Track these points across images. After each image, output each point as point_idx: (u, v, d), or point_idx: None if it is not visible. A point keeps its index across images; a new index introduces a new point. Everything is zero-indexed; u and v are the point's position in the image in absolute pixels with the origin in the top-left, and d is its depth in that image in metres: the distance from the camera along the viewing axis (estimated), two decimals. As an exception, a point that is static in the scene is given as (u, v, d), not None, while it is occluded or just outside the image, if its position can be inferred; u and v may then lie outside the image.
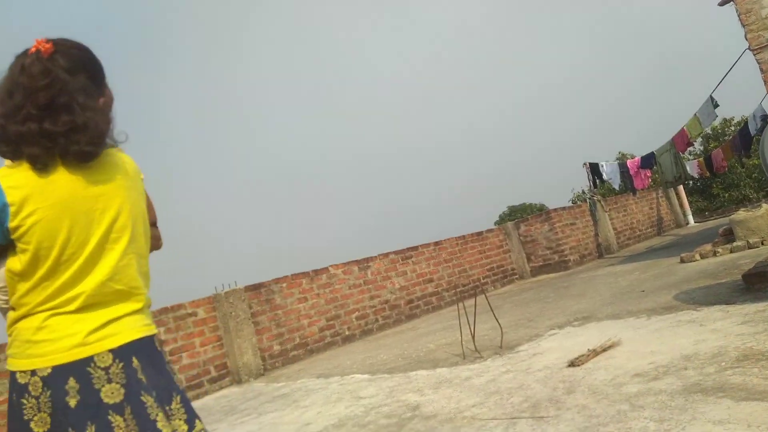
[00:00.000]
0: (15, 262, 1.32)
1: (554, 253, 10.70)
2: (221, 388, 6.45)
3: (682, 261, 6.92)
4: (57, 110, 1.32)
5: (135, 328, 1.40)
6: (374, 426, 3.13)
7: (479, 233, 10.63)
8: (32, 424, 1.27)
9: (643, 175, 10.49)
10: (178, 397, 1.42)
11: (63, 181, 1.35)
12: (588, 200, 11.90)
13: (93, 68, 1.46)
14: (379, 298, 8.50)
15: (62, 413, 1.27)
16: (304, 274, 7.77)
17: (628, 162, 10.78)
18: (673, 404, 2.27)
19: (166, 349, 6.17)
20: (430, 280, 9.36)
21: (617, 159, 14.11)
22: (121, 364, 1.34)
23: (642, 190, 12.20)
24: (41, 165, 1.32)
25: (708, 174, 11.13)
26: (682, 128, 8.51)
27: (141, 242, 1.49)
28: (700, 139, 16.05)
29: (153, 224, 1.73)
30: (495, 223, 22.87)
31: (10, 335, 1.36)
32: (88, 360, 1.30)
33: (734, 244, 6.64)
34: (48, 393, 1.27)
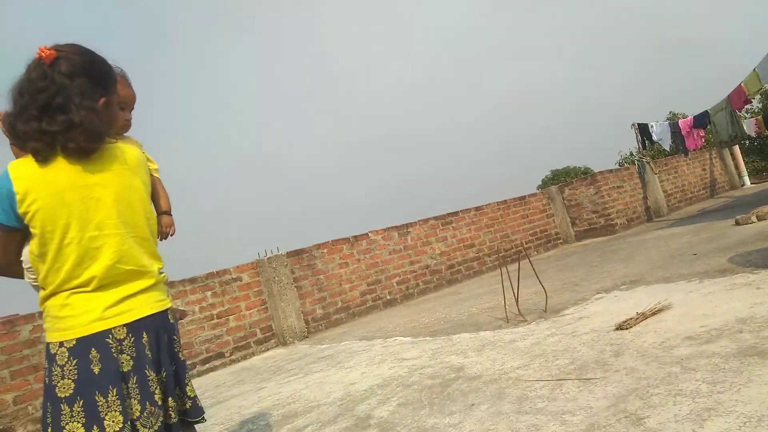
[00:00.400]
0: (33, 244, 1.51)
1: (600, 216, 10.42)
2: (267, 349, 6.66)
3: (737, 223, 6.62)
4: (54, 111, 1.48)
5: (148, 305, 1.57)
6: (418, 386, 3.16)
7: (522, 198, 10.44)
8: (56, 390, 1.44)
9: (695, 135, 10.00)
10: (183, 372, 1.66)
11: (62, 172, 1.51)
12: (636, 162, 11.48)
13: (95, 72, 1.59)
14: (419, 263, 8.52)
15: (88, 379, 1.45)
16: (345, 240, 7.84)
17: (680, 121, 10.27)
18: (727, 367, 2.20)
19: (214, 312, 6.38)
20: (471, 246, 9.29)
21: (668, 119, 13.49)
22: (132, 338, 1.52)
23: (694, 150, 11.66)
24: (42, 158, 1.49)
25: (767, 132, 10.51)
26: (740, 85, 8.01)
27: (141, 227, 1.63)
28: (758, 96, 15.14)
29: (167, 212, 1.89)
30: (537, 188, 22.42)
31: (43, 311, 1.56)
32: (107, 333, 1.49)
33: (795, 205, 6.29)
34: (74, 362, 1.45)
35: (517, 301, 4.52)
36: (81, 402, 1.44)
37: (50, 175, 1.50)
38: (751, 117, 11.75)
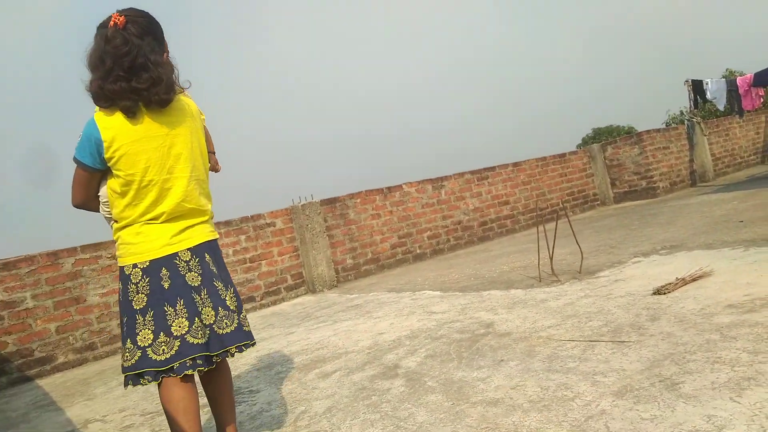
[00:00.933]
0: (114, 183, 1.81)
1: (642, 178, 10.08)
2: (297, 296, 6.79)
3: (790, 191, 6.30)
4: (138, 70, 1.73)
5: (204, 234, 1.92)
6: (447, 339, 3.17)
7: (561, 155, 10.15)
8: (133, 303, 1.78)
9: (754, 95, 9.43)
10: (231, 290, 1.94)
11: (143, 123, 1.78)
12: (686, 122, 10.95)
13: (156, 30, 1.84)
14: (452, 218, 8.45)
15: (159, 293, 1.77)
16: (378, 191, 7.80)
17: (738, 79, 9.67)
18: (772, 338, 2.11)
19: (247, 256, 6.50)
20: (506, 203, 9.15)
21: (724, 76, 12.75)
22: (197, 259, 1.86)
23: (750, 111, 11.04)
24: (131, 114, 1.75)
25: (832, 95, 9.83)
26: (808, 41, 7.45)
27: (201, 171, 1.94)
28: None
29: (212, 152, 2.15)
30: (577, 146, 21.77)
31: (116, 240, 1.86)
32: (174, 255, 1.82)
33: None
34: (147, 279, 1.78)
35: (551, 260, 4.44)
36: (152, 312, 1.76)
37: (132, 126, 1.76)
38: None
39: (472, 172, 8.89)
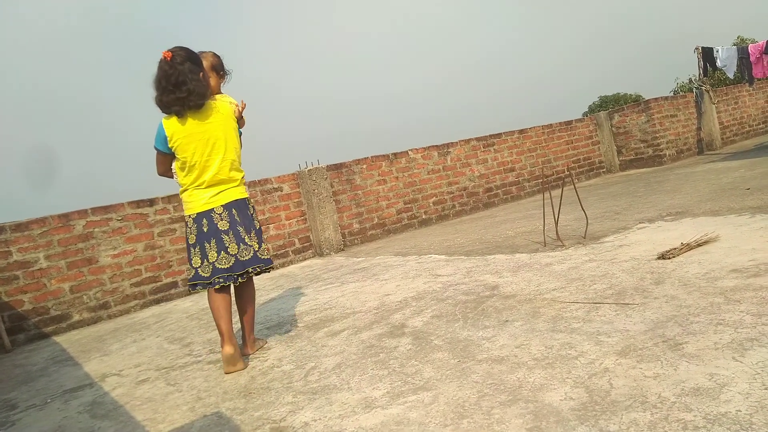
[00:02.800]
0: (176, 162, 2.82)
1: (648, 146, 10.02)
2: (305, 259, 6.87)
3: (798, 160, 6.27)
4: (180, 85, 2.65)
5: (232, 195, 2.84)
6: (452, 301, 3.23)
7: (568, 122, 10.07)
8: (188, 239, 2.83)
9: (765, 62, 9.27)
10: (253, 232, 2.90)
11: (189, 123, 2.74)
12: (695, 90, 10.82)
13: (193, 58, 2.74)
14: (457, 184, 8.46)
15: (202, 234, 2.78)
16: (384, 157, 7.80)
17: (750, 46, 9.51)
18: (774, 301, 2.15)
19: (255, 220, 6.56)
20: (512, 170, 9.14)
21: (735, 44, 12.51)
22: (226, 212, 2.82)
23: (761, 80, 10.88)
24: (180, 116, 2.73)
25: None
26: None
27: (231, 154, 2.85)
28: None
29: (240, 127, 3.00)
30: (583, 114, 21.55)
31: (182, 200, 2.87)
32: (211, 210, 2.80)
33: None
34: (194, 225, 2.80)
35: (557, 225, 4.47)
36: (198, 247, 2.79)
37: (182, 126, 2.74)
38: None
39: (478, 139, 8.85)
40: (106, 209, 5.59)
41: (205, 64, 2.88)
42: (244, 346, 3.02)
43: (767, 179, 5.40)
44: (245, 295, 2.96)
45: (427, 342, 2.59)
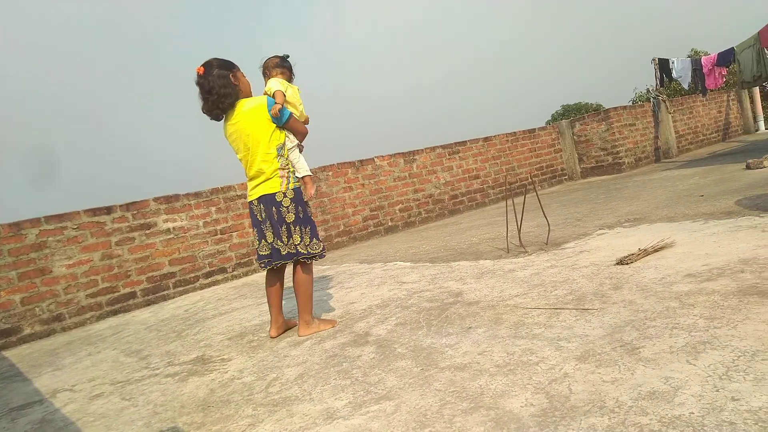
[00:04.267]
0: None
1: (608, 154, 10.28)
2: (269, 267, 6.77)
3: (748, 167, 6.53)
4: (210, 91, 2.97)
5: (262, 190, 3.03)
6: (417, 308, 3.22)
7: (531, 130, 10.26)
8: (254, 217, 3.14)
9: (717, 74, 9.66)
10: (282, 228, 3.03)
11: (229, 124, 3.05)
12: (652, 100, 11.17)
13: (221, 64, 3.02)
14: (423, 191, 8.50)
15: (255, 220, 3.14)
16: (350, 164, 7.78)
17: (703, 58, 9.89)
18: (725, 304, 2.21)
19: (218, 227, 6.44)
20: (476, 177, 9.24)
21: (689, 56, 13.00)
22: (261, 205, 3.06)
23: (713, 90, 11.32)
24: (222, 119, 3.08)
25: (791, 75, 10.12)
26: (771, 21, 7.63)
27: (258, 149, 3.00)
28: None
29: (306, 122, 3.25)
30: (546, 123, 21.98)
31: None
32: (252, 202, 3.11)
33: (810, 151, 6.16)
34: (251, 212, 3.17)
35: (519, 232, 4.53)
36: (255, 230, 3.16)
37: (227, 128, 3.08)
38: (776, 59, 11.28)
39: (444, 147, 8.93)
40: (60, 217, 5.39)
41: (269, 66, 3.21)
42: (298, 327, 3.19)
43: (719, 186, 5.60)
44: (294, 281, 3.14)
45: (391, 350, 2.57)
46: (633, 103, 14.63)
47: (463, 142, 9.19)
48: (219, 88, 2.94)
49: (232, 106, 2.99)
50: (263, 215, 3.03)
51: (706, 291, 2.43)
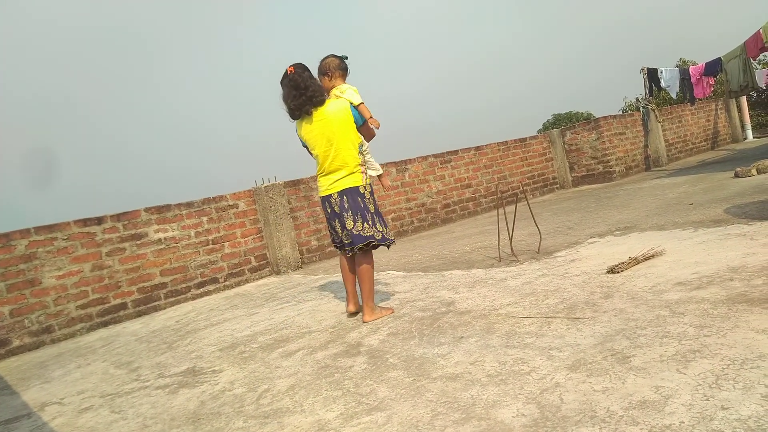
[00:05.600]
0: (312, 153, 3.40)
1: (599, 163, 10.36)
2: (261, 277, 6.75)
3: (737, 176, 6.60)
4: (305, 89, 3.21)
5: (343, 185, 3.29)
6: (409, 318, 3.22)
7: (522, 139, 10.32)
8: (327, 211, 3.42)
9: (705, 84, 9.78)
10: (359, 214, 3.27)
11: (312, 121, 3.29)
12: (641, 109, 11.28)
13: (306, 68, 3.30)
14: (415, 200, 8.51)
15: (327, 214, 3.43)
16: (343, 173, 7.77)
17: (691, 68, 10.00)
18: (715, 312, 2.23)
19: (210, 237, 6.41)
20: (468, 186, 9.27)
21: (678, 65, 13.15)
22: (338, 198, 3.30)
23: (701, 100, 11.44)
24: (307, 116, 3.29)
25: (777, 85, 10.28)
26: (758, 31, 7.75)
27: (346, 144, 3.28)
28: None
29: (371, 117, 3.31)
30: (538, 131, 22.11)
31: (318, 186, 3.43)
32: (329, 196, 3.34)
33: (797, 160, 6.24)
34: (325, 206, 3.40)
35: (511, 241, 4.54)
36: (330, 223, 3.44)
37: (307, 125, 3.32)
38: (763, 68, 11.46)
39: (436, 156, 8.96)
40: (50, 228, 5.35)
41: (332, 66, 3.37)
42: (362, 313, 3.40)
43: (709, 194, 5.65)
44: (358, 269, 3.36)
45: (383, 360, 2.56)
46: (623, 113, 14.76)
47: (455, 151, 9.23)
48: (315, 87, 3.23)
49: (321, 104, 3.24)
50: (346, 206, 3.27)
51: (695, 299, 2.44)
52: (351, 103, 3.29)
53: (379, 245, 3.31)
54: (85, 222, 5.59)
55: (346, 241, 3.35)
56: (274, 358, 3.02)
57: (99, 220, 5.68)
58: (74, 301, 5.38)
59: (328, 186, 3.31)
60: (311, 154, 3.41)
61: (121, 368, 3.57)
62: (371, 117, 3.30)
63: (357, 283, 3.51)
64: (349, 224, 3.26)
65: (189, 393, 2.73)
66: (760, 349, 1.81)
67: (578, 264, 3.67)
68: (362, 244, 3.25)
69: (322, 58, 3.38)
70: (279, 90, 3.30)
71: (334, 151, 3.25)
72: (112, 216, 5.77)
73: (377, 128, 3.35)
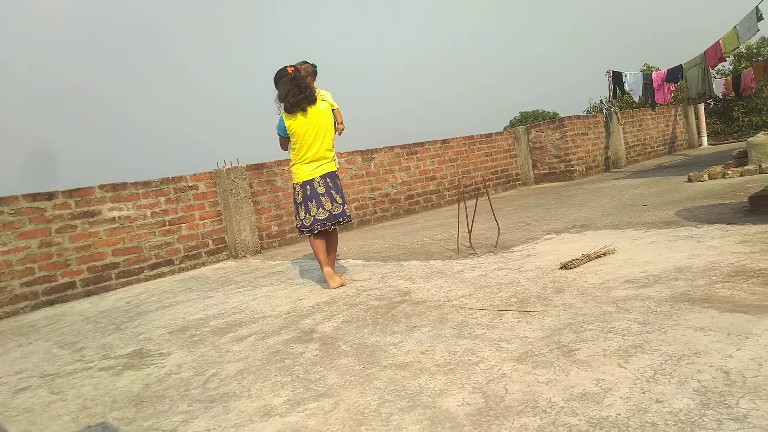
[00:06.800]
0: (291, 142, 3.89)
1: (561, 162, 10.56)
2: (218, 261, 6.63)
3: (690, 180, 6.82)
4: (304, 89, 3.74)
5: (326, 169, 3.88)
6: (364, 306, 3.21)
7: (488, 135, 10.42)
8: (296, 199, 3.92)
9: (666, 89, 10.06)
10: (338, 196, 3.91)
11: (305, 117, 3.79)
12: (605, 111, 11.53)
13: (302, 70, 3.82)
14: (379, 190, 8.50)
15: (305, 196, 3.86)
16: (307, 159, 7.69)
17: (654, 74, 10.28)
18: (658, 310, 2.30)
19: (167, 218, 6.25)
20: (433, 178, 9.31)
21: (642, 71, 13.49)
22: (322, 181, 3.86)
23: (662, 105, 11.78)
24: (302, 112, 3.78)
25: (733, 94, 10.66)
26: (718, 41, 8.00)
27: (327, 137, 3.87)
28: (731, 58, 15.25)
29: (340, 123, 3.99)
30: (504, 128, 22.38)
31: (292, 171, 3.95)
32: (312, 179, 3.86)
33: (745, 167, 6.50)
34: (301, 190, 3.88)
35: (470, 234, 4.58)
36: (303, 205, 3.85)
37: (300, 118, 3.78)
38: (721, 78, 11.88)
39: (402, 147, 8.96)
40: (-4, 201, 5.12)
41: (308, 71, 3.92)
42: (334, 277, 3.92)
43: (662, 197, 5.83)
44: (332, 240, 4.00)
45: (335, 348, 2.55)
46: (587, 114, 15.07)
47: (422, 143, 9.25)
48: (311, 88, 3.81)
49: (314, 103, 3.80)
50: (325, 188, 3.85)
51: (641, 297, 2.51)
52: (331, 106, 3.95)
53: (347, 221, 3.99)
54: (35, 197, 5.37)
55: (321, 218, 3.82)
56: (225, 342, 2.97)
57: (50, 195, 5.46)
58: (19, 278, 5.18)
59: (311, 171, 3.84)
60: (288, 143, 3.95)
61: (65, 348, 3.45)
62: (341, 123, 4.00)
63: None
64: (328, 206, 3.85)
65: (134, 375, 2.66)
66: (696, 346, 1.87)
67: (533, 259, 3.73)
68: (341, 219, 3.90)
69: (299, 62, 3.94)
70: (273, 86, 3.81)
71: (319, 144, 3.83)
72: (64, 192, 5.56)
73: (341, 131, 4.04)
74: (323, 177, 3.85)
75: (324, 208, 3.83)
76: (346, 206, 3.96)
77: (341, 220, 3.91)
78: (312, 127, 3.79)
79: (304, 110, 3.76)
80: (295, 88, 3.71)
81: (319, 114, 3.82)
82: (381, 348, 2.43)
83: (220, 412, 2.04)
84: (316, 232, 3.84)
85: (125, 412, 2.20)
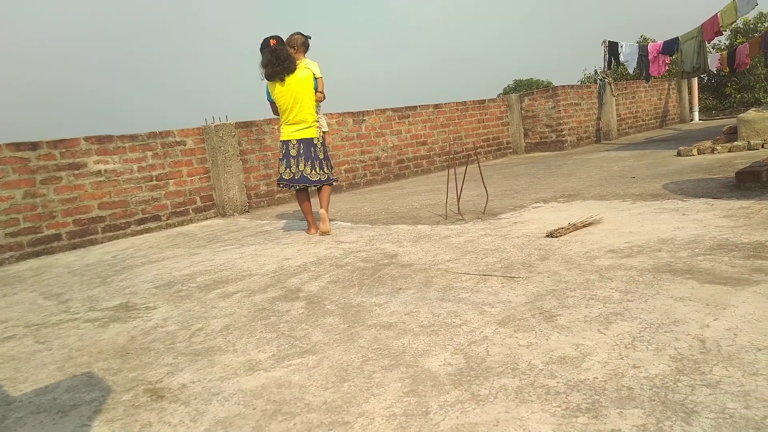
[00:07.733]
0: (278, 107, 4.35)
1: (552, 131, 10.53)
2: (206, 218, 6.61)
3: (679, 154, 6.86)
4: (283, 60, 4.16)
5: (305, 133, 4.32)
6: (351, 267, 3.23)
7: (481, 101, 10.33)
8: (281, 155, 4.41)
9: (661, 62, 9.99)
10: (316, 162, 4.34)
11: (285, 85, 4.21)
12: (599, 81, 11.46)
13: (283, 42, 4.22)
14: (370, 153, 8.45)
15: (285, 154, 4.36)
16: (298, 119, 7.59)
17: (650, 45, 10.18)
18: (640, 279, 2.34)
19: (153, 173, 6.18)
20: (424, 143, 9.26)
21: (638, 42, 13.37)
22: (299, 144, 4.32)
23: (656, 78, 11.72)
24: (280, 80, 4.21)
25: (728, 69, 10.63)
26: (716, 14, 7.92)
27: (308, 104, 4.28)
28: (727, 33, 15.12)
29: (321, 91, 4.35)
30: (498, 95, 22.18)
31: (281, 131, 4.42)
32: (289, 140, 4.34)
33: (734, 143, 6.53)
34: (283, 147, 4.37)
35: (458, 200, 4.59)
36: (285, 161, 4.36)
37: (282, 87, 4.22)
38: (717, 52, 11.80)
39: (394, 110, 8.86)
40: (-22, 150, 5.02)
41: (298, 42, 4.29)
42: (321, 223, 4.38)
43: (651, 170, 5.86)
44: (322, 195, 4.41)
45: (320, 307, 2.57)
46: (581, 84, 14.96)
47: (414, 107, 9.15)
48: (291, 60, 4.17)
49: (293, 72, 4.18)
50: (300, 151, 4.28)
51: (624, 266, 2.55)
52: (314, 75, 4.29)
53: (324, 185, 4.37)
54: (18, 146, 5.27)
55: (286, 177, 4.32)
56: (211, 298, 2.99)
57: (34, 146, 5.36)
58: (3, 228, 5.12)
59: (290, 133, 4.29)
60: (275, 108, 4.38)
61: (51, 299, 3.45)
62: (322, 91, 4.37)
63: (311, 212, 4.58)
64: (301, 167, 4.28)
65: (120, 327, 2.68)
66: (675, 315, 1.91)
67: (520, 226, 3.76)
68: (308, 185, 4.33)
69: (291, 33, 4.32)
70: (258, 55, 4.19)
71: (298, 108, 4.23)
72: (48, 142, 5.45)
73: (322, 100, 4.43)
74: (299, 141, 4.29)
75: (290, 170, 4.30)
76: (325, 171, 4.36)
77: (314, 185, 4.36)
78: (290, 93, 4.21)
79: (282, 79, 4.17)
80: (274, 59, 4.12)
81: (298, 81, 4.21)
82: (366, 308, 2.46)
83: (205, 365, 2.07)
84: (295, 188, 4.42)
85: (111, 363, 2.22)
